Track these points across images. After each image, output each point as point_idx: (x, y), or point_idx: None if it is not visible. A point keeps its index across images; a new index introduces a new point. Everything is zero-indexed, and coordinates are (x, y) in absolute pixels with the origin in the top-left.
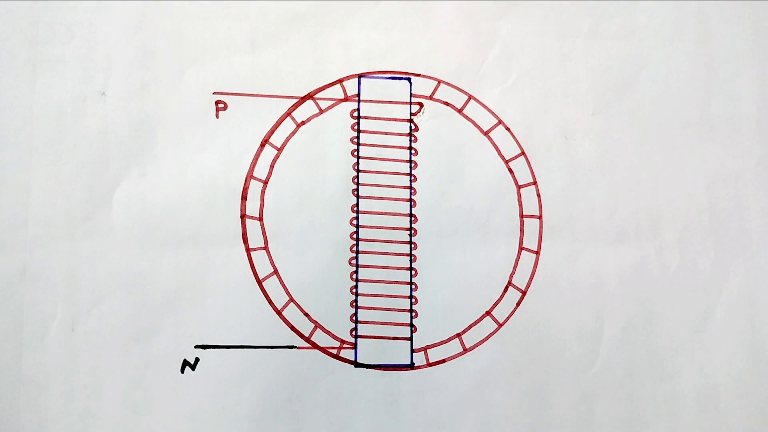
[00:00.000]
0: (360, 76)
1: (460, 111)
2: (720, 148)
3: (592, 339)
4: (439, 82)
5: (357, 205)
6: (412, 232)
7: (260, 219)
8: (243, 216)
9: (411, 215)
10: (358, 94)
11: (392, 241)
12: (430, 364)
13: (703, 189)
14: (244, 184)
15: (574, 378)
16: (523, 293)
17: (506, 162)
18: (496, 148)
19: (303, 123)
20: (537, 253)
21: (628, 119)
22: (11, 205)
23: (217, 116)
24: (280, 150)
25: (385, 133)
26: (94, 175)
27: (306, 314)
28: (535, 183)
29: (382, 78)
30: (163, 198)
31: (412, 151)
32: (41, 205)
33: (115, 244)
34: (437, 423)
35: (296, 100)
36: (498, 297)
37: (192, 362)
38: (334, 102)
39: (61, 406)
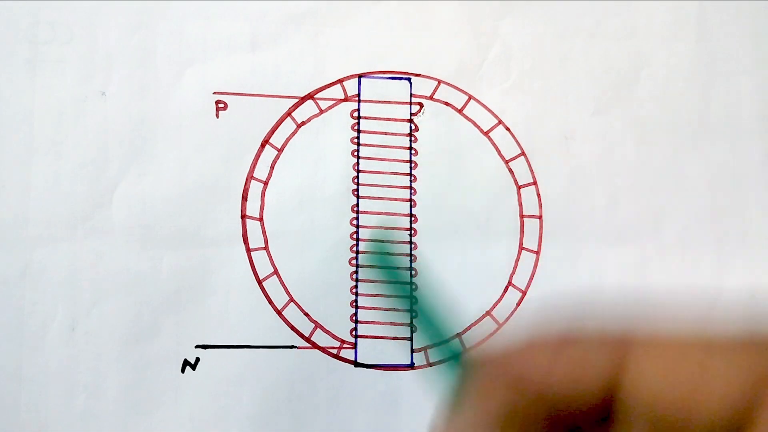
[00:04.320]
0: (360, 76)
1: (460, 111)
2: (721, 148)
3: None
4: (439, 82)
5: (357, 205)
6: (412, 232)
7: (260, 219)
8: (243, 216)
9: (411, 215)
10: (359, 94)
11: (392, 241)
12: (430, 364)
13: (704, 189)
14: (245, 184)
15: None
16: (523, 293)
17: (506, 162)
18: (496, 149)
19: (303, 123)
20: (537, 253)
21: (629, 119)
22: (11, 205)
23: (217, 116)
24: (280, 150)
25: (385, 133)
26: (94, 175)
27: (306, 314)
28: (535, 183)
29: (382, 78)
30: (163, 198)
31: (412, 151)
32: (41, 204)
33: (115, 243)
34: None
35: (296, 100)
36: (498, 297)
37: (192, 362)
38: (334, 102)
39: (61, 405)
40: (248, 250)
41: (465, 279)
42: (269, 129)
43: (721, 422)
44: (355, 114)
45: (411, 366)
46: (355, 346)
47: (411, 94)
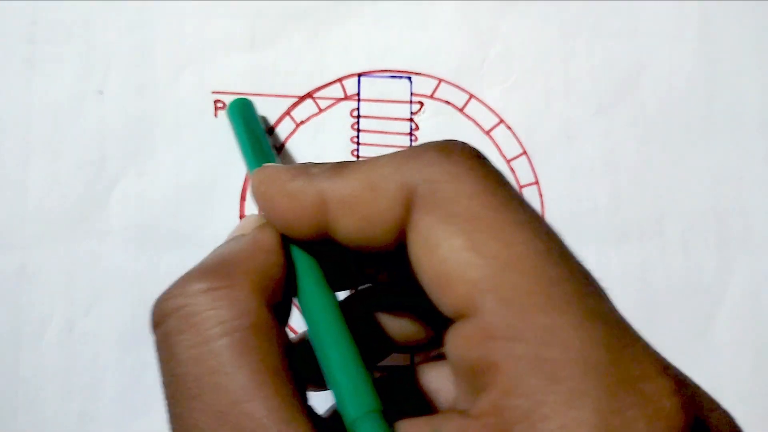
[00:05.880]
0: (360, 75)
1: (461, 110)
2: (723, 147)
3: None
4: (440, 81)
5: None
6: None
7: None
8: (242, 217)
9: None
10: (358, 93)
11: None
12: None
13: (707, 188)
14: (243, 184)
15: None
16: None
17: (508, 162)
18: (498, 148)
19: (302, 122)
20: None
21: (631, 118)
22: (8, 205)
23: (215, 115)
24: (279, 150)
25: (386, 133)
26: (92, 175)
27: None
28: (536, 183)
29: (382, 77)
30: (161, 198)
31: None
32: (38, 204)
33: (112, 244)
34: None
35: (295, 99)
36: None
37: None
38: (333, 101)
39: (59, 407)
40: None
41: None
42: (268, 128)
43: (391, 229)
44: (355, 113)
45: (411, 366)
46: None
47: (411, 93)
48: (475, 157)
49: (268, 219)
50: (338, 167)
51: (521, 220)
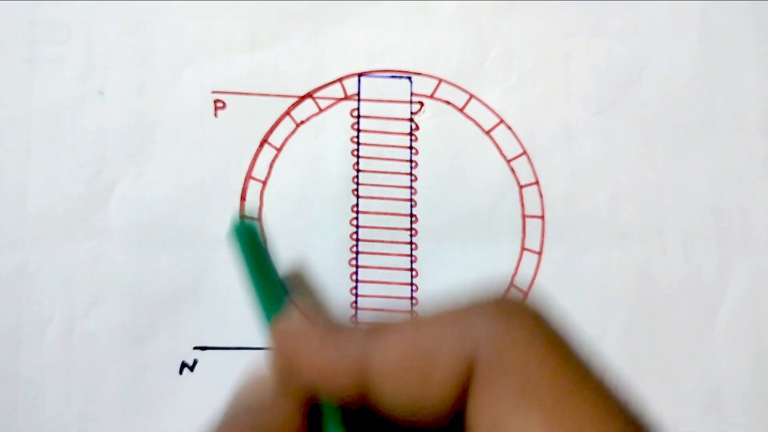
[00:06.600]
0: (360, 74)
1: (461, 110)
2: (724, 147)
3: (595, 341)
4: (440, 81)
5: (357, 205)
6: (413, 232)
7: (259, 219)
8: (242, 217)
9: (411, 215)
10: (358, 93)
11: (393, 242)
12: None
13: (707, 189)
14: (243, 184)
15: None
16: (525, 294)
17: (508, 162)
18: (498, 148)
19: (302, 122)
20: (539, 253)
21: (631, 119)
22: (8, 205)
23: (215, 115)
24: (279, 150)
25: (386, 133)
26: (92, 175)
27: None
28: (537, 183)
29: (383, 77)
30: (161, 198)
31: (413, 151)
32: (38, 204)
33: (112, 244)
34: None
35: (296, 99)
36: None
37: (190, 364)
38: (333, 101)
39: (59, 407)
40: None
41: (466, 280)
42: (268, 128)
43: (446, 396)
44: (355, 113)
45: None
46: None
47: (411, 93)
48: (538, 319)
49: (290, 375)
50: (379, 327)
51: (598, 401)
